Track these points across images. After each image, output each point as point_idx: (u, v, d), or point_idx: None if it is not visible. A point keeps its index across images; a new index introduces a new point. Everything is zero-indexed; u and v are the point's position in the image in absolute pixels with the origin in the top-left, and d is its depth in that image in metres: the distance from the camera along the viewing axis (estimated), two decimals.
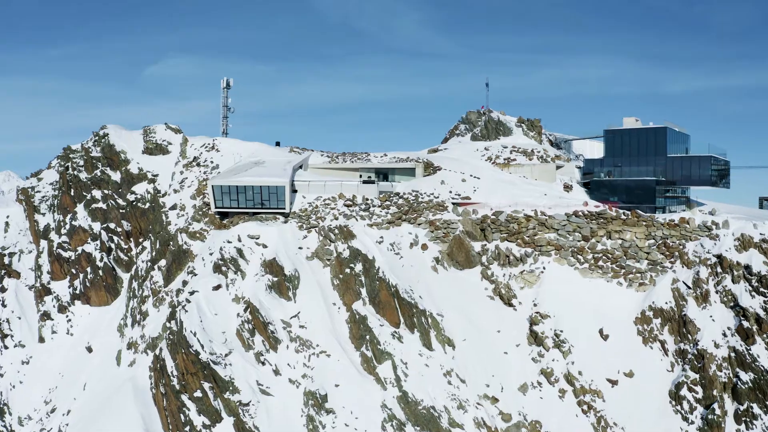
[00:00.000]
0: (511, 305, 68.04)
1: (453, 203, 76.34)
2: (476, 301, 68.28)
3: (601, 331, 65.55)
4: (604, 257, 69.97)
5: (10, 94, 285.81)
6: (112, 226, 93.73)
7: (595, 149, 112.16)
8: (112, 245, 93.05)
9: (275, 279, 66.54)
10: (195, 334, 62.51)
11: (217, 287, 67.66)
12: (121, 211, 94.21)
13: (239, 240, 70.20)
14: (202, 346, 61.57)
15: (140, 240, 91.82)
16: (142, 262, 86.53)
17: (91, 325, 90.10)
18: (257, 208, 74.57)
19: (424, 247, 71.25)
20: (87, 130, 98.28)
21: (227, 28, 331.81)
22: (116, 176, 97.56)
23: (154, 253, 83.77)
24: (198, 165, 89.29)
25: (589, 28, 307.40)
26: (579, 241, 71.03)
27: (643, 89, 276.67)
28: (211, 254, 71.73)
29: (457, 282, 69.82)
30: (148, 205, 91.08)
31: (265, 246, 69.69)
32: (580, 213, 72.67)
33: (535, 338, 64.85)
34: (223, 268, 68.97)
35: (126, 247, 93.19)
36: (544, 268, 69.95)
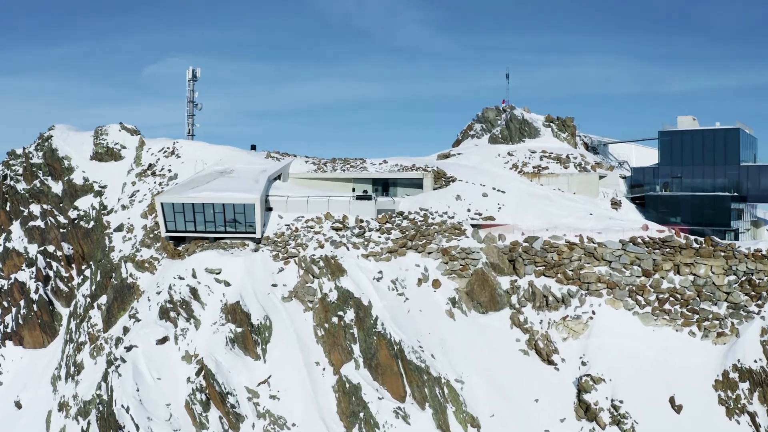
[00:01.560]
0: (551, 363, 53.49)
1: (472, 225, 61.67)
2: (506, 358, 53.80)
3: (672, 401, 51.01)
4: (671, 299, 55.39)
5: (10, 94, 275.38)
6: (50, 249, 79.25)
7: (632, 153, 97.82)
8: (51, 273, 78.47)
9: (239, 330, 51.80)
10: (128, 410, 47.95)
11: (163, 340, 53.08)
12: (61, 230, 79.69)
13: (194, 275, 55.56)
14: (138, 427, 46.88)
15: (83, 267, 77.18)
16: (82, 296, 71.76)
17: (23, 372, 75.97)
18: (220, 232, 59.82)
19: (436, 283, 56.55)
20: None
21: (227, 28, 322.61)
22: (58, 187, 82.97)
23: (93, 287, 68.99)
24: (153, 174, 74.57)
25: (589, 28, 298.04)
26: (638, 277, 56.49)
27: (644, 89, 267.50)
28: (158, 293, 57.03)
29: (479, 331, 55.35)
30: (92, 223, 76.36)
31: (227, 284, 55.01)
32: (639, 240, 57.95)
33: (586, 411, 50.12)
34: (172, 314, 54.33)
35: (66, 275, 78.62)
36: (593, 312, 55.41)
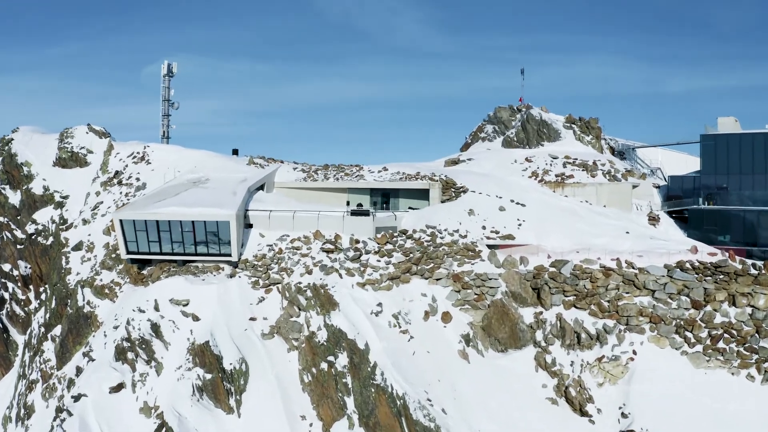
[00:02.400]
0: (585, 414, 45.45)
1: (488, 246, 53.55)
2: (530, 409, 45.71)
3: None
4: (726, 335, 47.23)
5: (7, 94, 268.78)
6: (6, 267, 71.33)
7: (659, 158, 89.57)
8: (6, 295, 70.50)
9: (208, 376, 43.72)
10: None
11: (117, 388, 45.10)
12: (18, 246, 71.62)
13: (156, 308, 47.47)
14: None
15: (41, 290, 69.17)
16: (38, 324, 63.71)
17: None
18: (189, 254, 51.70)
19: (446, 317, 48.46)
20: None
21: (227, 28, 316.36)
22: (16, 198, 74.96)
23: (48, 315, 60.95)
24: (119, 183, 66.40)
25: (588, 27, 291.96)
26: (687, 309, 48.38)
27: (644, 89, 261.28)
28: (115, 328, 48.96)
29: (498, 375, 47.26)
30: (51, 239, 68.31)
31: (195, 318, 46.97)
32: (687, 265, 49.75)
33: None
34: (129, 355, 46.30)
35: (23, 298, 70.59)
36: (634, 352, 47.30)
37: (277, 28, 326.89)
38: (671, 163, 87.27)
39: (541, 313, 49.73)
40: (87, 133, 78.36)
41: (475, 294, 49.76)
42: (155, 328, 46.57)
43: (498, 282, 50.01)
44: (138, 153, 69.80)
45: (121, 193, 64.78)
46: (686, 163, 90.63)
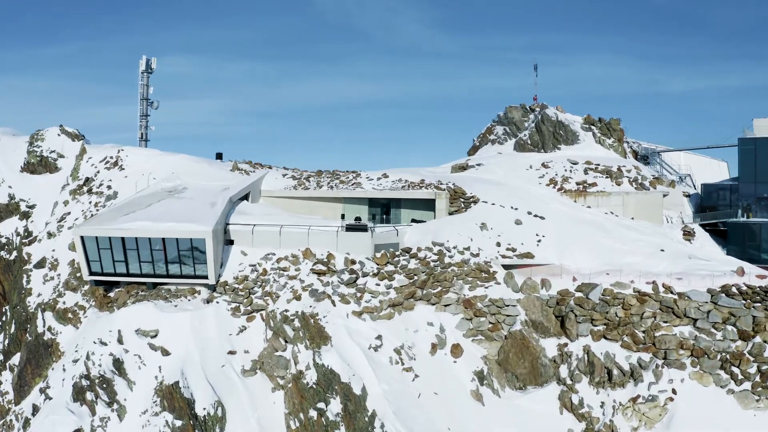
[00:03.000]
0: None
1: (504, 266, 47.61)
2: None
3: None
4: None
5: (3, 95, 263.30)
6: None
7: (681, 163, 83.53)
8: None
9: (178, 423, 37.92)
10: None
11: None
12: None
13: (120, 340, 41.61)
14: None
15: (4, 309, 63.25)
16: None
17: None
18: (160, 276, 45.81)
19: (457, 350, 42.62)
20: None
21: (227, 28, 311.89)
22: None
23: (7, 341, 55.14)
24: (89, 191, 60.50)
25: (589, 27, 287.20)
26: (734, 341, 42.49)
27: (644, 89, 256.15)
28: (74, 362, 43.11)
29: (518, 417, 41.66)
30: (14, 254, 62.41)
31: (165, 352, 41.18)
32: (734, 289, 43.90)
33: None
34: (89, 396, 40.44)
35: None
36: (674, 391, 41.58)
37: (277, 28, 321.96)
38: (697, 169, 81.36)
39: (566, 345, 43.85)
40: (59, 135, 72.45)
41: (490, 323, 43.92)
42: (118, 365, 40.76)
43: (516, 309, 44.18)
44: (111, 158, 63.82)
45: (90, 202, 58.89)
46: (710, 167, 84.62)
